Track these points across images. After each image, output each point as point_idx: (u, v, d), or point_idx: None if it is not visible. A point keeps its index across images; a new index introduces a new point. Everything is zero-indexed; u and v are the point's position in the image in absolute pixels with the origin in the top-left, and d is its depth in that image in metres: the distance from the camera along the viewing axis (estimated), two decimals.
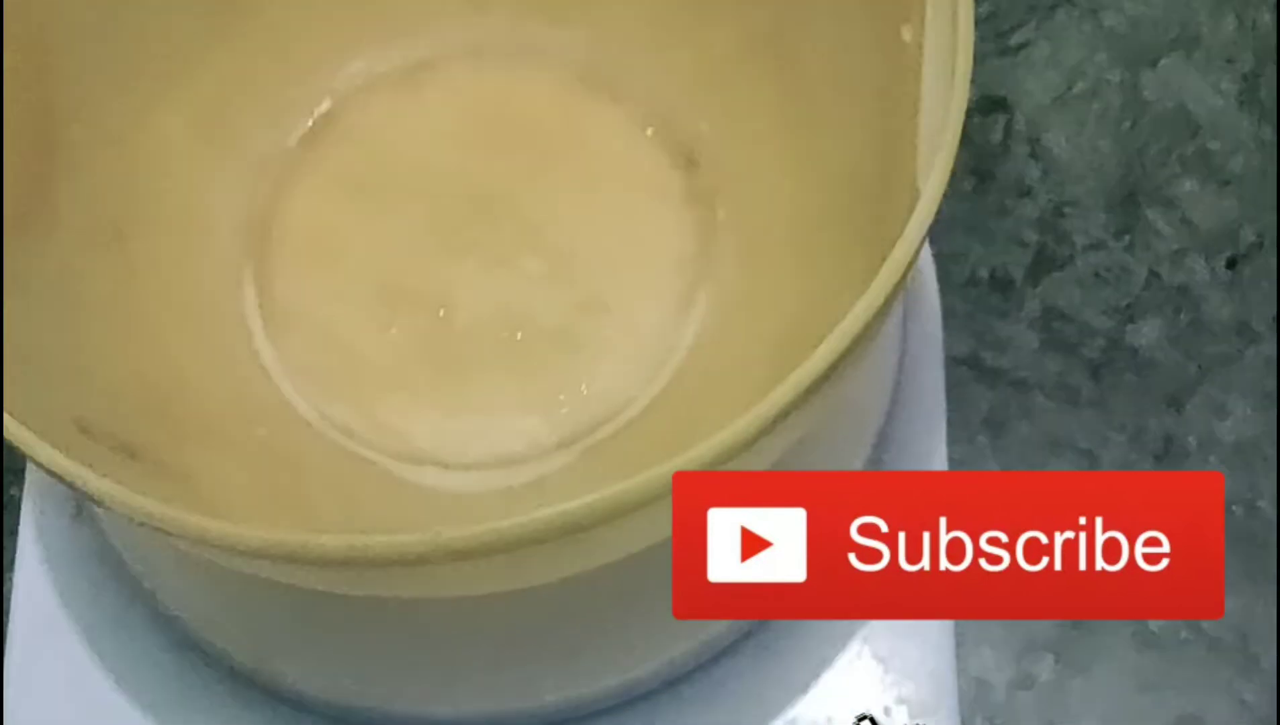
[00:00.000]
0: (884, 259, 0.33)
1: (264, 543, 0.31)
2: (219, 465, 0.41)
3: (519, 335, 0.45)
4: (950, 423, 0.48)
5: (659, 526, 0.32)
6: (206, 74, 0.46)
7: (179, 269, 0.45)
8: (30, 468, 0.46)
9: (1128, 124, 0.59)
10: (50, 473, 0.33)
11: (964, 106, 0.34)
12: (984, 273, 0.56)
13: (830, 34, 0.42)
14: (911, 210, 0.33)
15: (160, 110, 0.45)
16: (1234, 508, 0.53)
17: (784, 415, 0.32)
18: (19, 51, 0.40)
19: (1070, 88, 0.59)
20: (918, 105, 0.36)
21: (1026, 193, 0.58)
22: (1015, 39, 0.60)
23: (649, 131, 0.47)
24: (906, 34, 0.37)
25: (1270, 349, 0.55)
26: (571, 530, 0.31)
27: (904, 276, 0.33)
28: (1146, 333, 0.56)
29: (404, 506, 0.43)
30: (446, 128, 0.48)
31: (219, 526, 0.31)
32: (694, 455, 0.31)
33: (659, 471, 0.31)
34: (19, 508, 0.46)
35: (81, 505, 0.45)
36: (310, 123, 0.48)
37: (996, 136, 0.58)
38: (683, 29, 0.46)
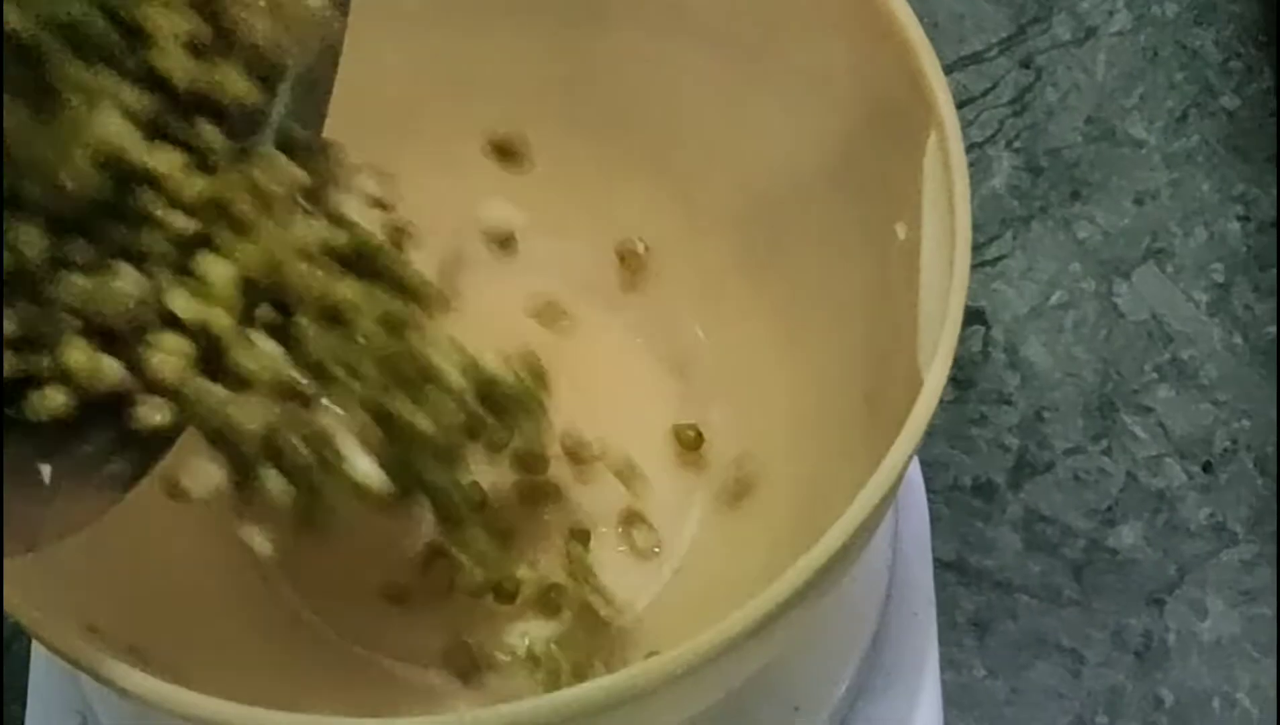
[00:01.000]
0: (883, 453, 0.34)
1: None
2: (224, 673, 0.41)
3: None
4: (938, 625, 0.48)
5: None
6: None
7: None
8: (32, 684, 0.46)
9: (1103, 333, 0.60)
10: (68, 659, 0.33)
11: (964, 294, 0.35)
12: (967, 479, 0.57)
13: (822, 234, 0.44)
14: (913, 397, 0.34)
15: None
16: (1213, 702, 0.54)
17: (777, 614, 0.32)
18: None
19: (1047, 299, 0.61)
20: (915, 297, 0.37)
21: (1006, 401, 0.59)
22: (991, 252, 0.62)
23: (639, 340, 0.48)
24: (901, 231, 0.38)
25: (1246, 550, 0.56)
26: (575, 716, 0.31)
27: (908, 461, 0.34)
28: (1126, 534, 0.57)
29: (410, 708, 0.43)
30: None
31: (232, 709, 0.31)
32: (679, 654, 0.31)
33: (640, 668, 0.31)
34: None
35: (86, 718, 0.45)
36: None
37: (975, 347, 0.60)
38: (678, 241, 0.48)
